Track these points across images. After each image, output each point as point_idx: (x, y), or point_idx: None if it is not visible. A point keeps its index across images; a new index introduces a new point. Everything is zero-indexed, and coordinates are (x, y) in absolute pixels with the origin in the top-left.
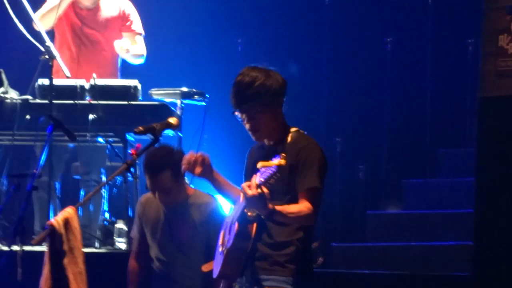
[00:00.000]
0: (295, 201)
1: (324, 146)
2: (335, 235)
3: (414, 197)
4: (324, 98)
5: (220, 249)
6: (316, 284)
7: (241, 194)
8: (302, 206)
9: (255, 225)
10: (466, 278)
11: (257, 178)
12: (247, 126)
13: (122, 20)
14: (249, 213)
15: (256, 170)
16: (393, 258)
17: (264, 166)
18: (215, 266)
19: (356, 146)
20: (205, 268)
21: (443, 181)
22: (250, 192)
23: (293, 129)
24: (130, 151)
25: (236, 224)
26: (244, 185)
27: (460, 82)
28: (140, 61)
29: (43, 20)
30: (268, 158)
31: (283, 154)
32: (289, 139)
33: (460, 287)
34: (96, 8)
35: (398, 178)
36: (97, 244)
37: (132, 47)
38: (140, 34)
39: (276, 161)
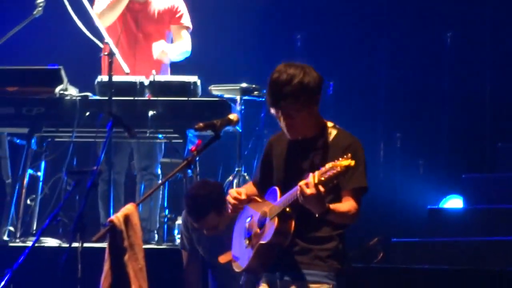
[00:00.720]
0: (337, 199)
1: (383, 142)
2: (395, 231)
3: (474, 192)
4: (383, 93)
5: (246, 243)
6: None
7: (278, 192)
8: (350, 206)
9: (293, 221)
10: None
11: (316, 177)
12: (283, 123)
13: (172, 13)
14: (287, 209)
15: (289, 166)
16: (454, 254)
17: (333, 166)
18: (238, 260)
19: (415, 141)
20: (222, 259)
21: (503, 175)
22: (309, 191)
23: (330, 124)
24: (190, 147)
25: (277, 220)
26: (302, 184)
27: None
28: (184, 56)
29: (102, 18)
30: (306, 153)
31: (349, 155)
32: (331, 135)
33: None
34: (147, 2)
35: (458, 173)
36: (157, 240)
37: (174, 46)
38: (188, 28)
39: (345, 162)
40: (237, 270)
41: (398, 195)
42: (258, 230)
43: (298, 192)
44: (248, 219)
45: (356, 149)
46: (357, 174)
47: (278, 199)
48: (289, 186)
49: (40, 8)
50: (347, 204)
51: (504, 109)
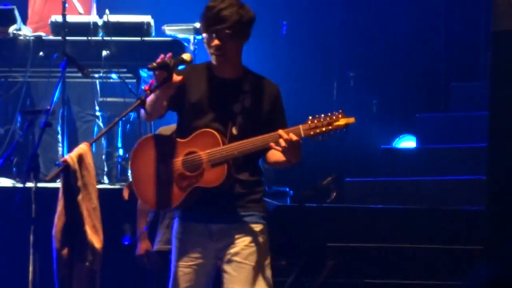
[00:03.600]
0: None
1: (337, 81)
2: (349, 170)
3: (428, 132)
4: (337, 33)
5: (175, 183)
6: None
7: (218, 137)
8: None
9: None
10: (479, 212)
11: (302, 132)
12: (213, 49)
13: None
14: (237, 154)
15: (218, 106)
16: (406, 193)
17: (341, 126)
18: (156, 197)
19: (369, 81)
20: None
21: (456, 115)
22: (295, 138)
23: (247, 70)
24: (143, 87)
25: (227, 166)
26: (282, 133)
27: (473, 18)
28: None
29: None
30: (234, 95)
31: (342, 111)
32: (255, 80)
33: (473, 221)
34: None
35: (412, 112)
36: (107, 180)
37: None
38: None
39: (343, 121)
40: (154, 207)
41: (352, 135)
42: (187, 172)
43: (284, 139)
44: (161, 158)
45: (280, 97)
46: (285, 120)
47: (221, 144)
48: (221, 126)
49: None
50: None
51: (458, 50)
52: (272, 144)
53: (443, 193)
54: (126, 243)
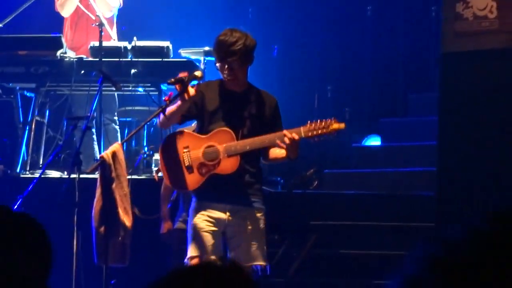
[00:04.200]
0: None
1: (317, 93)
2: (327, 164)
3: (390, 133)
4: (318, 54)
5: (189, 169)
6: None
7: (233, 134)
8: None
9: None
10: (430, 197)
11: (303, 133)
12: (226, 74)
13: None
14: (248, 148)
15: (230, 113)
16: (373, 182)
17: (335, 129)
18: (177, 181)
19: (343, 92)
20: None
21: (412, 119)
22: (297, 137)
23: (250, 84)
24: (164, 98)
25: (239, 157)
26: (287, 132)
27: (425, 41)
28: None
29: (64, 6)
30: (242, 104)
31: (335, 118)
32: (258, 92)
33: (425, 204)
34: None
35: (377, 117)
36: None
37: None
38: None
39: (336, 125)
40: (178, 189)
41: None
42: (206, 161)
43: (288, 138)
44: (186, 150)
45: (278, 105)
46: (281, 123)
47: (235, 140)
48: (235, 128)
49: None
50: None
51: (413, 67)
52: (278, 141)
53: (402, 182)
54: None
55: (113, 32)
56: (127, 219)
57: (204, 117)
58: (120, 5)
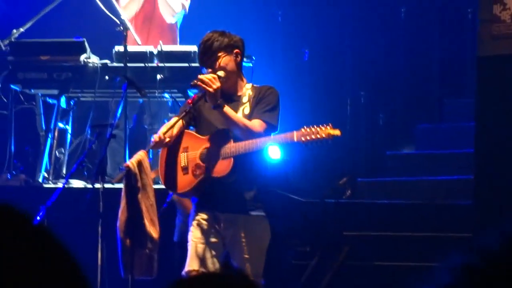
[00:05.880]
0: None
1: (350, 99)
2: (360, 172)
3: (425, 140)
4: (350, 59)
5: (184, 170)
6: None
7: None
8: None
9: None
10: (467, 206)
11: (295, 137)
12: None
13: None
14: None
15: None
16: (408, 190)
17: (330, 134)
18: (173, 183)
19: (376, 98)
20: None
21: (448, 126)
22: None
23: (246, 83)
24: (187, 100)
25: (232, 160)
26: (300, 135)
27: (461, 45)
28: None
29: (128, 8)
30: (234, 105)
31: (330, 124)
32: (255, 89)
33: (463, 213)
34: None
35: (412, 124)
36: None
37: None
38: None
39: (331, 131)
40: (171, 190)
41: (363, 143)
42: (202, 163)
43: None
44: (184, 150)
45: (266, 91)
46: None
47: (233, 144)
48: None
49: None
50: None
51: (448, 71)
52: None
53: (438, 190)
54: None
55: (175, 39)
56: (153, 230)
57: (201, 123)
58: (185, 11)
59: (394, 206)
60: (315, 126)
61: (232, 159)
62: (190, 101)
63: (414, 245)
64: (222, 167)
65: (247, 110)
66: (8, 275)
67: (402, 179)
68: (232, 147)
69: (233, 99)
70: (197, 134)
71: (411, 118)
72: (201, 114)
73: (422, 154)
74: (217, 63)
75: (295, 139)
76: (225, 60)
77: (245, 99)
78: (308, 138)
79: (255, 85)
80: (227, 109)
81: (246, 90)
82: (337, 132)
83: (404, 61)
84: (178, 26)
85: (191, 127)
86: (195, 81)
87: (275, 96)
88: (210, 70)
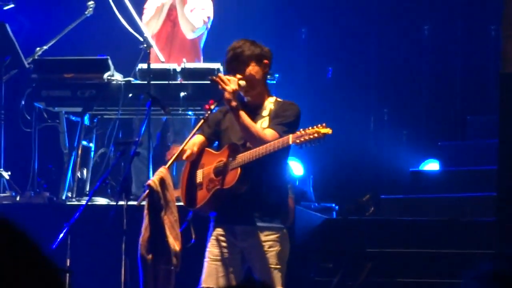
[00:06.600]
0: None
1: (373, 115)
2: (384, 189)
3: (448, 157)
4: (373, 76)
5: (200, 186)
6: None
7: (240, 148)
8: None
9: (250, 173)
10: (490, 223)
11: (291, 139)
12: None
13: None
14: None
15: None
16: (431, 208)
17: (324, 134)
18: (191, 199)
19: (400, 115)
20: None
21: (471, 143)
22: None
23: (270, 95)
24: (205, 106)
25: (239, 170)
26: (295, 137)
27: (484, 61)
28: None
29: (149, 26)
30: (255, 115)
31: (324, 124)
32: (278, 102)
33: (486, 230)
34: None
35: (435, 141)
36: None
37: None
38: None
39: (323, 130)
40: (188, 207)
41: (386, 159)
42: (215, 177)
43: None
44: (201, 167)
45: (286, 106)
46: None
47: (241, 154)
48: (242, 143)
49: (90, 9)
50: None
51: (471, 88)
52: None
53: (462, 207)
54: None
55: (198, 56)
56: (178, 245)
57: (221, 134)
58: (207, 27)
59: (417, 223)
60: (309, 127)
61: (239, 169)
62: (207, 107)
63: (436, 262)
64: (230, 178)
65: (265, 123)
66: None
67: (425, 196)
68: (239, 157)
69: (255, 111)
70: (213, 151)
71: (435, 135)
72: (222, 129)
73: (446, 171)
74: (246, 72)
75: (290, 142)
76: (254, 69)
77: (265, 112)
78: (302, 139)
79: (279, 99)
80: (242, 113)
81: (269, 104)
82: (327, 130)
83: (427, 79)
84: (202, 44)
85: (215, 144)
86: (214, 77)
87: (295, 112)
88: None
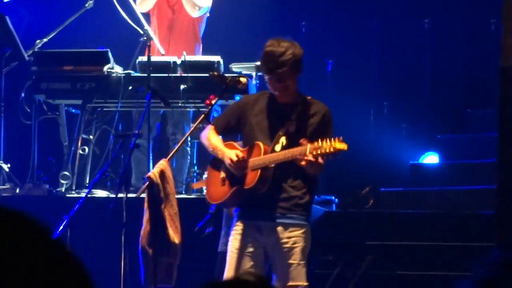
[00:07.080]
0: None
1: (373, 109)
2: (383, 182)
3: (449, 150)
4: (373, 69)
5: (222, 182)
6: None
7: (263, 148)
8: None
9: (271, 173)
10: (490, 216)
11: (308, 150)
12: (276, 87)
13: None
14: (272, 165)
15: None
16: (431, 201)
17: (339, 150)
18: (213, 194)
19: (400, 108)
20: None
21: (471, 136)
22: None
23: (301, 94)
24: (206, 102)
25: (260, 171)
26: (312, 148)
27: (485, 55)
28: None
29: (142, 5)
30: (288, 116)
31: (340, 137)
32: (309, 102)
33: (485, 223)
34: None
35: (435, 134)
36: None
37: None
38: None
39: (340, 145)
40: (210, 200)
41: (386, 153)
42: (237, 175)
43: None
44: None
45: (328, 116)
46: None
47: (262, 155)
48: (268, 142)
49: (91, 2)
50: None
51: (471, 82)
52: (299, 157)
53: (461, 200)
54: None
55: (197, 44)
56: (177, 238)
57: (246, 130)
58: (208, 8)
59: (417, 216)
60: (326, 139)
61: (259, 170)
62: (208, 102)
63: (436, 255)
64: (250, 178)
65: (300, 121)
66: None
67: (425, 189)
68: (260, 159)
69: (285, 108)
70: (238, 146)
71: (435, 128)
72: (248, 121)
73: (445, 164)
74: (289, 80)
75: (307, 153)
76: (295, 78)
77: (299, 109)
78: (318, 152)
79: (308, 97)
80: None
81: (299, 100)
82: (343, 146)
83: (427, 72)
84: (201, 32)
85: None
86: (215, 74)
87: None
88: (278, 85)
